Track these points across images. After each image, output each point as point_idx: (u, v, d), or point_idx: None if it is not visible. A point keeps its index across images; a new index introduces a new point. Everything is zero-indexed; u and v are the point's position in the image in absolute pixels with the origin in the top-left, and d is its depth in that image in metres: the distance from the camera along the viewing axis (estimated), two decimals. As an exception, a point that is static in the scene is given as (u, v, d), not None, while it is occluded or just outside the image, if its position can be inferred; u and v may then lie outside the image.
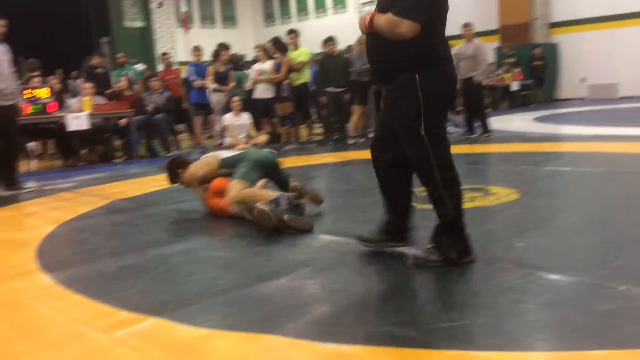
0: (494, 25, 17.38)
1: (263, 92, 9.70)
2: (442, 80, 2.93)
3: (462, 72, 8.98)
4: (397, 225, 3.22)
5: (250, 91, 10.12)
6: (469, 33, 8.96)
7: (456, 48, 8.79)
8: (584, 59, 16.95)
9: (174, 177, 4.75)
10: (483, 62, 8.89)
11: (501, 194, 4.70)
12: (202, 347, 2.21)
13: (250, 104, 10.07)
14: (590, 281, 2.64)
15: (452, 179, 2.98)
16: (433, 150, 2.92)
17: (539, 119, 12.33)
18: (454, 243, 2.97)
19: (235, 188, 4.19)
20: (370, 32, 2.92)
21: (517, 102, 16.93)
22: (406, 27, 2.72)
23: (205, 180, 4.59)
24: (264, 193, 4.11)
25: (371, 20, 2.86)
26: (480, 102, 9.30)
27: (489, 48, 9.63)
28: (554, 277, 2.74)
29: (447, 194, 2.94)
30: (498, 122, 10.54)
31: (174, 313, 2.55)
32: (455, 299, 2.56)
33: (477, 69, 8.79)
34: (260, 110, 9.81)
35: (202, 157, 4.93)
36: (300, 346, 2.17)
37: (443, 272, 2.90)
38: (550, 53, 17.51)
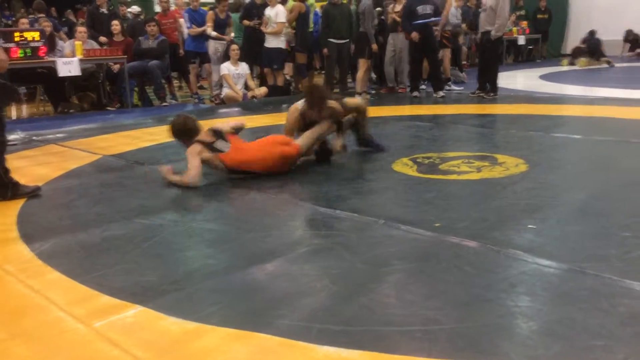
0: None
1: (270, 40, 9.25)
2: None
3: (480, 24, 8.56)
4: None
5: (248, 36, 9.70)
6: None
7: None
8: (593, 14, 16.43)
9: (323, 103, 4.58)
10: (502, 16, 8.19)
11: (509, 164, 4.49)
12: (189, 345, 2.02)
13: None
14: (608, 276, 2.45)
15: None
16: None
17: (545, 77, 12.02)
18: None
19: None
20: None
21: (523, 56, 16.54)
22: None
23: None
24: None
25: None
26: (495, 59, 8.84)
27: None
28: (566, 268, 2.55)
29: None
30: (503, 79, 10.20)
31: (160, 300, 2.36)
32: (466, 293, 2.36)
33: (495, 22, 8.20)
34: (266, 60, 9.41)
35: None
36: (295, 349, 1.98)
37: (452, 258, 2.71)
38: (560, 6, 16.97)
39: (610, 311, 2.17)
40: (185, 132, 4.38)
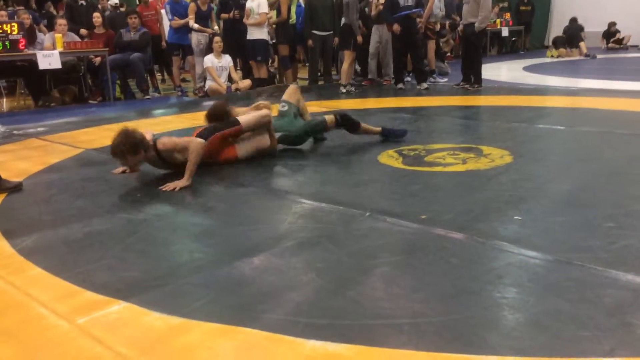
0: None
1: (253, 32, 9.14)
2: None
3: (463, 16, 8.56)
4: None
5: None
6: None
7: None
8: (576, 5, 16.52)
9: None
10: (485, 9, 8.19)
11: (494, 156, 4.49)
12: (174, 341, 1.99)
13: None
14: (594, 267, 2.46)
15: None
16: None
17: (529, 68, 12.06)
18: None
19: None
20: None
21: (506, 48, 16.60)
22: None
23: None
24: None
25: None
26: (478, 50, 8.84)
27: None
28: (552, 259, 2.56)
29: None
30: (487, 71, 10.24)
31: (144, 295, 2.33)
32: (452, 285, 2.35)
33: (478, 15, 8.18)
34: (249, 52, 9.31)
35: None
36: (281, 343, 1.96)
37: (438, 250, 2.70)
38: (543, -2, 17.05)
39: (596, 302, 2.17)
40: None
